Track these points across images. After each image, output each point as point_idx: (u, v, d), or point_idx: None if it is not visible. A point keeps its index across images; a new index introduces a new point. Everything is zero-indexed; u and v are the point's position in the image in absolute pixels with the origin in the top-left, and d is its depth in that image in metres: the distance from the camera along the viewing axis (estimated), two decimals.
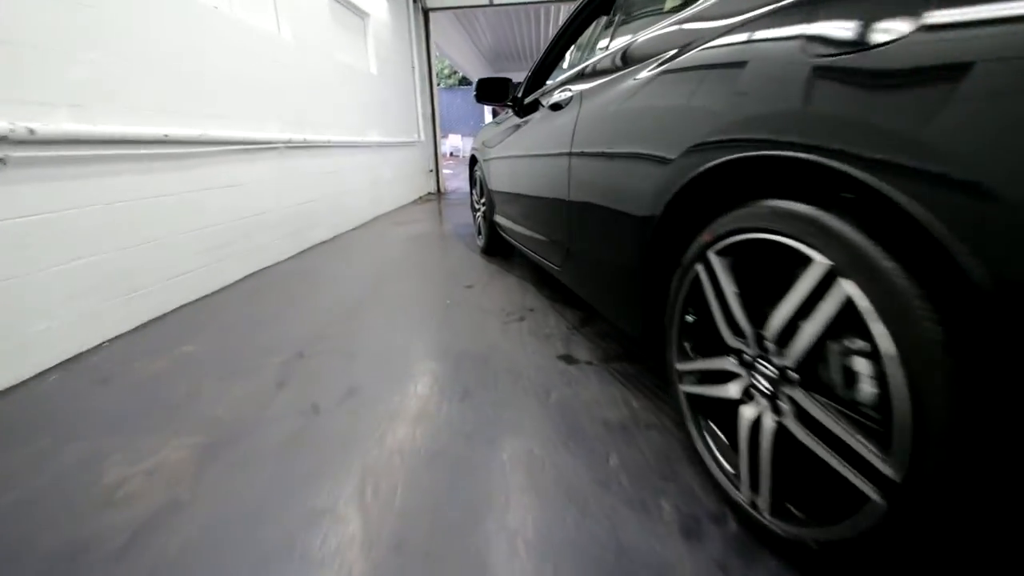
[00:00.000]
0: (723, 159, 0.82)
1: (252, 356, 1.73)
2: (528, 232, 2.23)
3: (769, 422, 0.80)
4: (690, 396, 1.01)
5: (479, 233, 3.36)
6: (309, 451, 1.18)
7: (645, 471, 1.07)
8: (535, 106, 2.14)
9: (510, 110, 2.56)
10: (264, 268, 3.00)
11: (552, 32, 11.17)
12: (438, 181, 7.52)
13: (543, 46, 13.16)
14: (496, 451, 1.16)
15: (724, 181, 0.88)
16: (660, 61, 1.05)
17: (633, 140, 1.13)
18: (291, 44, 3.45)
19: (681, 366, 1.03)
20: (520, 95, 2.34)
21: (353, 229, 4.39)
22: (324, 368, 1.63)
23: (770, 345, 0.79)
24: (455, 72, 21.25)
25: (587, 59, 1.62)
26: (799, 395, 0.75)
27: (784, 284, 0.76)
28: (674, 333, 1.03)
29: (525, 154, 2.11)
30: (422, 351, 1.75)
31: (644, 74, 1.11)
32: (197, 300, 2.39)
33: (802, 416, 0.74)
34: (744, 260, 0.86)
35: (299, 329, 1.98)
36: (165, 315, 2.18)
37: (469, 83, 21.04)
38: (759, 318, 0.82)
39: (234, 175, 2.78)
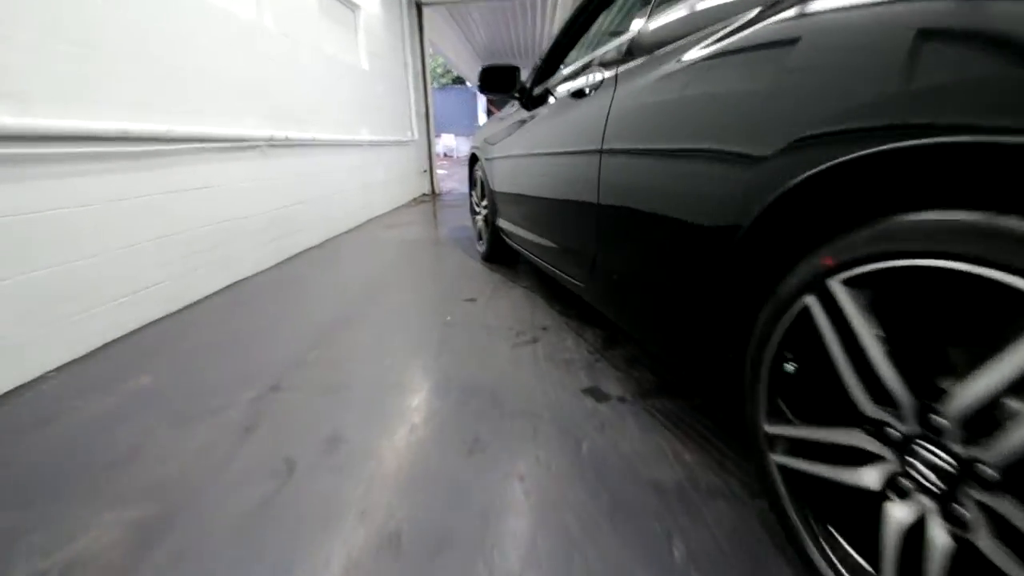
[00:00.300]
0: (856, 154, 0.57)
1: (219, 390, 1.45)
2: (540, 240, 1.97)
3: (941, 536, 0.54)
4: (788, 471, 0.75)
5: (479, 238, 3.10)
6: (277, 533, 0.91)
7: (723, 567, 0.81)
8: (545, 98, 1.88)
9: (516, 103, 2.30)
10: (242, 279, 2.71)
11: (548, 29, 10.94)
12: (432, 182, 7.24)
13: (538, 43, 12.90)
14: (521, 535, 0.89)
15: (846, 186, 0.63)
16: (742, 24, 0.79)
17: (701, 132, 0.86)
18: (274, 33, 3.17)
19: (773, 430, 0.77)
20: (528, 85, 2.08)
21: (343, 233, 4.11)
22: (303, 407, 1.35)
23: (946, 424, 0.54)
24: (449, 71, 20.97)
25: (620, 33, 1.35)
26: (1005, 505, 0.49)
27: (973, 333, 0.50)
28: (763, 384, 0.78)
29: (536, 152, 1.85)
30: (419, 383, 1.48)
31: (717, 46, 0.84)
32: (163, 318, 2.11)
33: (1008, 535, 0.49)
34: (892, 293, 0.60)
35: (276, 354, 1.71)
36: (124, 337, 1.90)
37: (463, 82, 20.77)
38: (918, 377, 0.57)
39: (208, 176, 2.50)
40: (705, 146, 0.85)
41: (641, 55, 1.11)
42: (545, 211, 1.81)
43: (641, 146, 1.07)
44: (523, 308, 2.11)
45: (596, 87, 1.32)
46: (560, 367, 1.55)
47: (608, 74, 1.26)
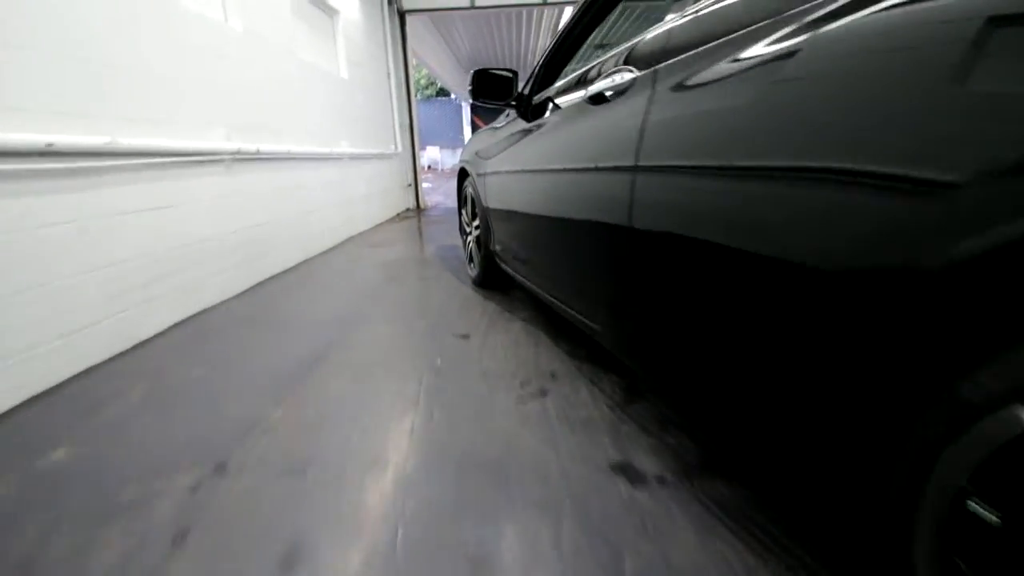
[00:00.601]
0: None
1: (148, 470, 1.14)
2: (544, 269, 1.70)
3: None
4: None
5: (470, 261, 2.82)
6: None
7: None
8: (547, 107, 1.63)
9: (510, 113, 2.05)
10: (206, 309, 2.39)
11: (533, 42, 10.82)
12: (417, 196, 6.96)
13: (523, 54, 12.83)
14: None
15: None
16: None
17: (825, 145, 0.59)
18: (242, 36, 2.88)
19: None
20: (527, 92, 1.83)
21: (322, 253, 3.80)
22: (254, 499, 1.05)
23: None
24: (433, 82, 20.78)
25: (650, 22, 1.10)
26: None
27: None
28: (927, 527, 0.51)
29: (541, 168, 1.59)
30: (406, 457, 1.19)
31: (856, 15, 0.57)
32: (104, 363, 1.79)
33: None
34: None
35: (230, 412, 1.40)
36: (48, 392, 1.57)
37: (448, 93, 20.60)
38: None
39: (164, 194, 2.19)
40: (833, 164, 0.58)
41: (695, 45, 0.85)
42: (552, 236, 1.55)
43: (698, 162, 0.81)
44: (525, 347, 1.84)
45: (622, 90, 1.07)
46: (578, 430, 1.27)
47: (640, 73, 1.00)
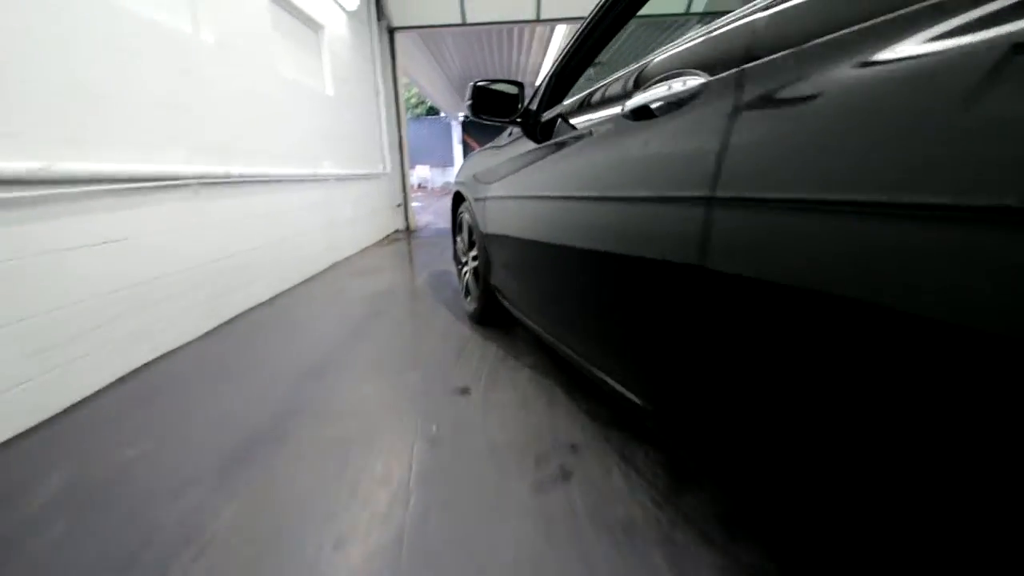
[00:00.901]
0: None
1: None
2: (564, 318, 1.42)
3: None
4: None
5: (466, 294, 2.53)
6: None
7: None
8: (556, 125, 1.38)
9: (515, 129, 1.79)
10: (157, 358, 2.07)
11: (525, 61, 10.72)
12: (407, 217, 6.69)
13: (515, 72, 12.80)
14: None
15: None
16: None
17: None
18: (214, 50, 2.61)
19: None
20: (536, 108, 1.57)
21: (301, 284, 3.49)
22: None
23: None
24: (423, 101, 20.69)
25: (714, 16, 0.84)
26: None
27: None
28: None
29: (560, 194, 1.30)
30: None
31: None
32: (20, 435, 1.46)
33: None
34: None
35: (159, 521, 1.09)
36: None
37: (437, 112, 20.52)
38: None
39: (114, 226, 1.89)
40: None
41: (810, 35, 0.58)
42: (579, 278, 1.26)
43: (830, 196, 0.53)
44: (536, 405, 1.54)
45: (681, 100, 0.80)
46: (617, 538, 0.97)
47: (713, 78, 0.74)
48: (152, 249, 2.09)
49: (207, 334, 2.38)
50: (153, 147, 2.12)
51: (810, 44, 0.58)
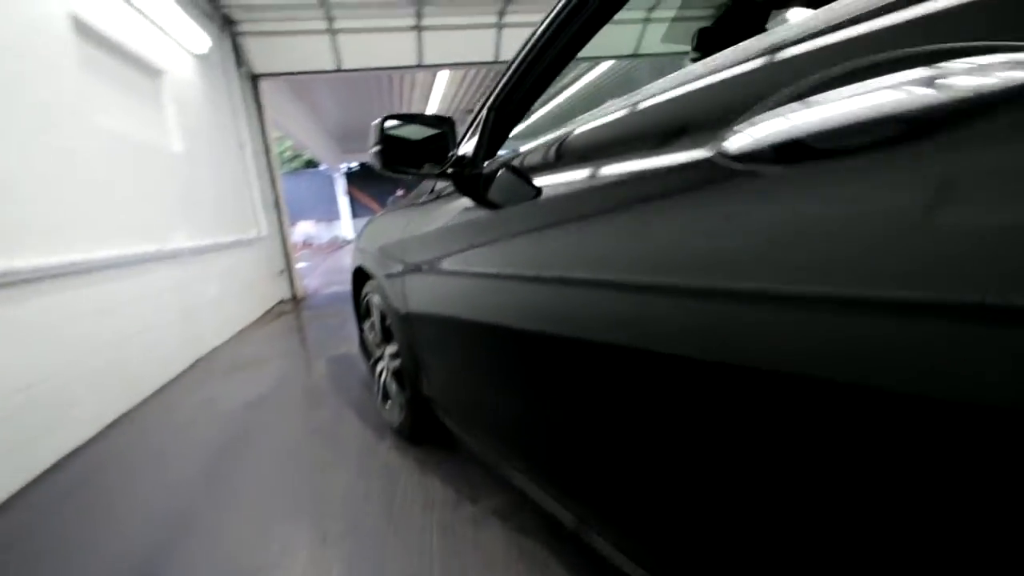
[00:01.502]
0: None
1: None
2: (565, 464, 0.91)
3: None
4: None
5: (384, 399, 1.91)
6: None
7: None
8: (494, 179, 0.94)
9: (440, 182, 1.33)
10: None
11: (407, 107, 10.36)
12: (292, 284, 5.81)
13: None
14: None
15: None
16: None
17: None
18: None
19: None
20: (473, 154, 1.09)
21: (152, 396, 2.61)
22: None
23: None
24: (299, 154, 19.42)
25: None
26: None
27: None
28: None
29: (550, 275, 0.82)
30: None
31: None
32: None
33: None
34: None
35: None
36: None
37: (316, 165, 19.39)
38: None
39: None
40: None
41: None
42: (579, 393, 0.77)
43: None
44: None
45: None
46: None
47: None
48: None
49: None
50: None
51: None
